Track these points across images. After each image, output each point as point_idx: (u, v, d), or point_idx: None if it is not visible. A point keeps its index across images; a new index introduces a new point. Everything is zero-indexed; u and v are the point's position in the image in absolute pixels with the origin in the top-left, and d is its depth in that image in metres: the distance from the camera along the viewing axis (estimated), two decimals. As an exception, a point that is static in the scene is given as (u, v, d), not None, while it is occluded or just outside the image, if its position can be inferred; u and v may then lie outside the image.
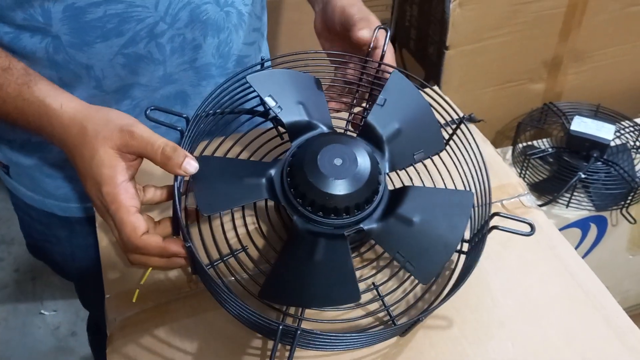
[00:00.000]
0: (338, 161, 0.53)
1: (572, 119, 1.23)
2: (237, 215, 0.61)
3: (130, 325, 0.56)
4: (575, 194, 1.18)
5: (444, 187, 0.63)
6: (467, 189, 0.59)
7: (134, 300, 0.57)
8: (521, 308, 0.56)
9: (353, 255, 0.60)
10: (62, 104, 0.53)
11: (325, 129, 0.60)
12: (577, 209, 1.19)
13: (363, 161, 0.53)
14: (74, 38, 0.61)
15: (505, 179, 0.69)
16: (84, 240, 0.81)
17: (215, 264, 0.55)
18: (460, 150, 0.60)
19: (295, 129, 0.59)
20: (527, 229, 0.50)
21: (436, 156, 0.64)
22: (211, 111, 0.59)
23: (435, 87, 0.78)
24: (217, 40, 0.70)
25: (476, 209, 0.57)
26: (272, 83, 0.60)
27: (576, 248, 1.23)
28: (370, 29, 0.61)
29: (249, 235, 0.59)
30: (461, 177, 0.60)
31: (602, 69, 1.39)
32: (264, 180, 0.55)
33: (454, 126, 0.61)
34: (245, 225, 0.61)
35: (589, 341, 0.53)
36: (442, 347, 0.53)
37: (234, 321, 0.54)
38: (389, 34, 0.63)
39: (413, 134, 0.60)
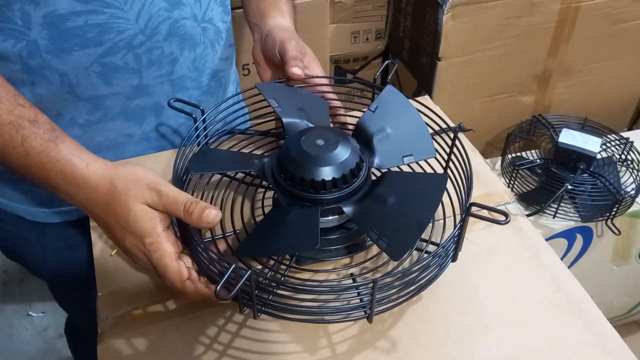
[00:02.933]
0: (320, 142, 0.57)
1: (560, 132, 1.25)
2: (237, 207, 0.65)
3: (122, 323, 0.57)
4: (562, 204, 1.20)
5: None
6: (453, 185, 0.62)
7: (111, 254, 0.62)
8: (506, 312, 0.57)
9: (340, 257, 0.62)
10: (88, 163, 0.54)
11: None
12: (563, 219, 1.21)
13: (344, 144, 0.57)
14: (52, 44, 0.61)
15: (492, 187, 0.70)
16: (54, 243, 0.81)
17: (206, 241, 0.59)
18: (447, 154, 0.63)
19: (294, 129, 0.62)
20: (503, 218, 0.51)
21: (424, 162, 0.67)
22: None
23: (427, 97, 0.81)
24: (193, 54, 0.71)
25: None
26: (277, 91, 0.65)
27: (562, 258, 1.25)
28: (300, 67, 0.67)
29: (242, 222, 0.63)
30: (454, 186, 0.62)
31: (590, 84, 1.42)
32: (255, 161, 0.60)
33: (443, 134, 0.64)
34: (242, 215, 0.64)
35: (571, 346, 0.55)
36: (428, 349, 0.54)
37: (225, 319, 0.56)
38: (395, 67, 0.74)
39: (403, 139, 0.62)
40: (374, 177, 0.60)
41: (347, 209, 0.56)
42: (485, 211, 0.53)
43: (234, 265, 0.47)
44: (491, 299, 0.58)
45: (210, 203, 0.64)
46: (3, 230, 0.83)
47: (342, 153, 0.56)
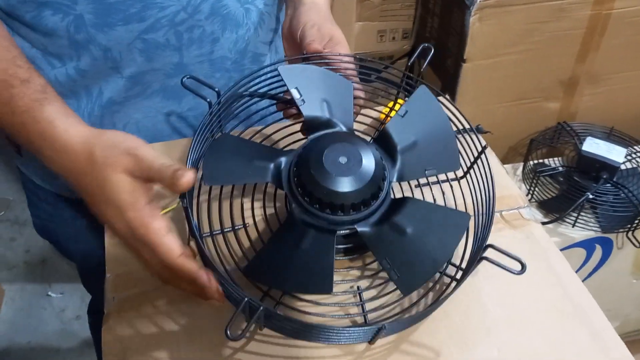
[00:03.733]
0: (343, 159, 0.54)
1: (584, 140, 1.23)
2: (247, 198, 0.64)
3: (128, 305, 0.57)
4: (582, 214, 1.18)
5: (443, 205, 0.64)
6: (473, 202, 0.60)
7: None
8: (509, 316, 0.56)
9: (348, 257, 0.61)
10: (69, 128, 0.52)
11: (344, 129, 0.61)
12: (583, 229, 1.19)
13: (368, 164, 0.54)
14: (97, 18, 0.62)
15: (506, 191, 0.69)
16: (89, 223, 0.82)
17: (214, 233, 0.58)
18: (469, 160, 0.62)
19: (314, 124, 0.60)
20: (518, 267, 0.50)
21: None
22: (244, 92, 0.62)
23: (446, 96, 0.80)
24: (235, 35, 0.71)
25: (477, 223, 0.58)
26: (301, 77, 0.61)
27: (580, 268, 1.23)
28: (313, 49, 0.64)
29: (253, 217, 0.62)
30: (471, 193, 0.62)
31: (618, 92, 1.39)
32: (272, 165, 0.57)
33: (465, 135, 0.62)
34: (252, 207, 0.63)
35: (574, 352, 0.54)
36: (428, 348, 0.54)
37: (230, 308, 0.56)
38: (431, 52, 0.66)
39: (428, 150, 0.60)
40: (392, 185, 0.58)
41: (362, 230, 0.54)
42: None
43: (246, 299, 0.45)
44: (495, 302, 0.57)
45: (221, 192, 0.64)
46: (40, 209, 0.85)
47: (365, 175, 0.53)
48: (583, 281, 0.60)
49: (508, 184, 0.71)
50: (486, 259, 0.51)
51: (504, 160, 1.44)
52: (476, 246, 0.56)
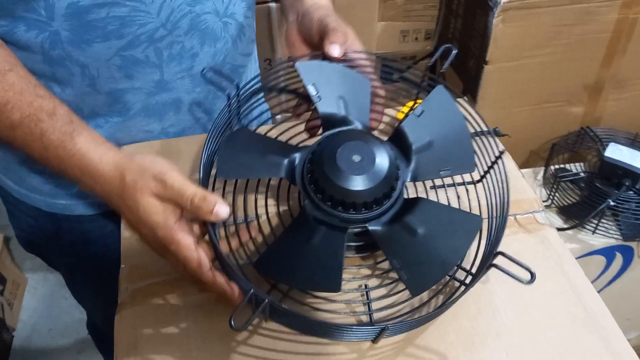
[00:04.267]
0: (356, 157, 0.54)
1: (607, 145, 1.21)
2: (261, 191, 0.65)
3: (140, 296, 0.58)
4: (603, 221, 1.16)
5: (457, 207, 0.63)
6: (488, 206, 0.60)
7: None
8: (520, 321, 0.56)
9: (360, 255, 0.61)
10: (102, 156, 0.55)
11: (359, 127, 0.61)
12: (603, 236, 1.17)
13: (381, 162, 0.54)
14: (74, 35, 0.61)
15: (522, 194, 0.69)
16: (69, 237, 0.81)
17: (227, 224, 0.58)
18: (485, 163, 0.61)
19: (330, 121, 0.60)
20: (528, 276, 0.49)
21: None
22: (263, 86, 0.63)
23: (464, 98, 0.79)
24: (213, 49, 0.71)
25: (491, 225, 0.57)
26: (319, 73, 0.61)
27: (599, 276, 1.21)
28: (340, 43, 0.61)
29: (266, 210, 0.62)
30: (486, 196, 0.61)
31: (644, 98, 1.37)
32: (286, 161, 0.57)
33: (482, 137, 0.61)
34: (266, 204, 0.64)
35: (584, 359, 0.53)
36: (436, 350, 0.54)
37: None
38: (453, 53, 0.65)
39: (443, 151, 0.60)
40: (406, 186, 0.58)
41: (373, 229, 0.54)
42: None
43: (252, 291, 0.46)
44: (506, 306, 0.57)
45: (235, 186, 0.64)
46: (22, 222, 0.84)
47: (378, 174, 0.53)
48: (602, 289, 0.59)
49: (524, 187, 0.70)
50: (495, 266, 0.50)
51: (525, 164, 1.43)
52: (487, 251, 0.55)
